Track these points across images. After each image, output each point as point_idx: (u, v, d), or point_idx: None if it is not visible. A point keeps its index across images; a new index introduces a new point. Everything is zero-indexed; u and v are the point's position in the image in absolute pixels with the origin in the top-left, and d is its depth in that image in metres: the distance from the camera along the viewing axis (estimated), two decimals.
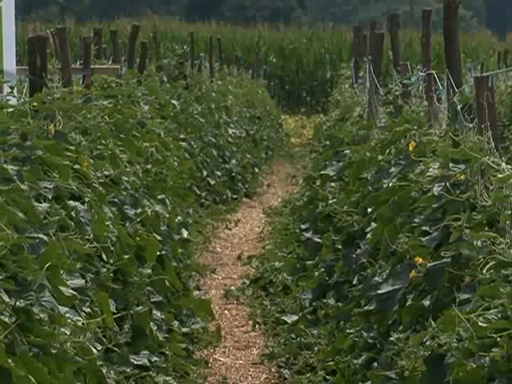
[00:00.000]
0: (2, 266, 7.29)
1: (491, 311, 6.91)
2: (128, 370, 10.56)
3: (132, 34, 23.61)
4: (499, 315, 6.77)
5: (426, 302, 8.69)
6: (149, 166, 15.45)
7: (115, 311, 10.46)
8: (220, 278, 17.06)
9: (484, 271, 7.55)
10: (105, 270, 10.76)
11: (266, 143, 34.67)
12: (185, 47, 29.94)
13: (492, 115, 9.96)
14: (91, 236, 10.48)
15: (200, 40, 33.11)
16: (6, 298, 7.04)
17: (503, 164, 8.84)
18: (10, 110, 10.98)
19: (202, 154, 23.69)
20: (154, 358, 11.56)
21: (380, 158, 12.68)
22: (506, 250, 7.40)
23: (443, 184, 9.44)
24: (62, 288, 8.49)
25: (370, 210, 11.99)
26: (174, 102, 23.16)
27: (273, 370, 12.43)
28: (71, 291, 8.77)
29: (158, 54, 26.68)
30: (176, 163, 18.61)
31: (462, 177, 9.22)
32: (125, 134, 15.13)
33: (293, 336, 13.15)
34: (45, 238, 8.59)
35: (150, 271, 12.67)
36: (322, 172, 17.24)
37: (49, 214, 9.44)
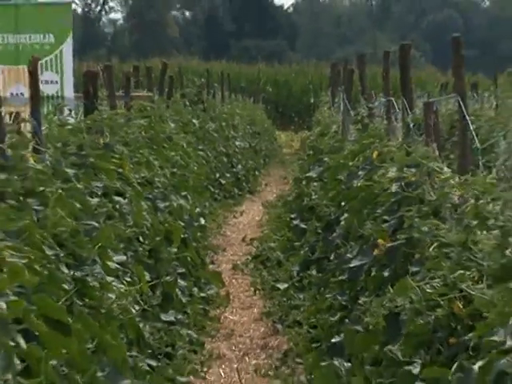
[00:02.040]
0: (63, 245, 7.31)
1: (435, 280, 6.93)
2: (159, 325, 10.65)
3: (162, 70, 23.76)
4: (441, 283, 6.78)
5: (386, 273, 8.71)
6: (175, 170, 15.51)
7: (149, 280, 10.51)
8: (229, 255, 17.03)
9: (430, 250, 7.58)
10: (141, 249, 10.87)
11: (264, 152, 34.63)
12: (202, 80, 29.96)
13: (436, 131, 10.04)
14: (131, 223, 10.59)
15: (214, 74, 33.15)
16: (66, 270, 7.07)
17: (445, 168, 8.90)
18: (70, 127, 11.02)
19: (215, 161, 23.68)
20: (179, 316, 11.63)
21: (351, 163, 12.72)
22: (447, 234, 7.42)
23: (399, 183, 9.48)
24: (109, 262, 8.56)
25: (343, 203, 12.01)
26: (194, 121, 23.20)
27: (269, 324, 12.44)
28: (116, 265, 8.88)
29: (182, 85, 26.68)
30: (195, 167, 18.66)
31: (413, 178, 9.26)
32: (157, 145, 15.24)
33: (284, 299, 13.16)
34: (96, 224, 8.66)
35: (176, 250, 12.72)
36: (307, 174, 17.26)
37: (99, 207, 9.52)
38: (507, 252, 5.75)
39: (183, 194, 15.29)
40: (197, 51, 66.82)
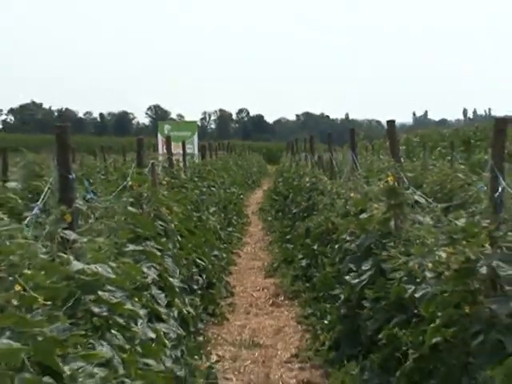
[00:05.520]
0: (197, 202, 7.27)
1: (322, 217, 6.87)
2: (226, 232, 10.39)
3: (227, 144, 23.68)
4: (324, 218, 6.71)
5: (305, 214, 8.63)
6: (231, 178, 15.43)
7: (223, 216, 10.45)
8: (251, 207, 16.89)
9: (320, 206, 7.51)
10: (220, 206, 10.76)
11: (262, 172, 34.42)
12: (242, 148, 29.96)
13: (322, 165, 9.93)
14: (217, 196, 10.53)
15: (246, 146, 33.25)
16: (195, 213, 7.01)
17: (325, 178, 8.81)
18: (196, 163, 10.97)
19: (245, 175, 23.51)
20: (233, 229, 11.46)
21: (293, 176, 12.64)
22: (326, 201, 7.36)
23: (310, 182, 9.40)
24: (210, 210, 8.49)
25: (290, 190, 11.93)
26: (239, 162, 23.09)
27: (264, 231, 12.31)
28: (212, 211, 8.80)
29: (234, 149, 26.65)
30: (238, 177, 18.55)
31: (314, 180, 9.18)
32: (225, 169, 15.18)
33: (270, 224, 13.00)
34: (204, 197, 8.58)
35: (232, 206, 12.61)
36: (278, 180, 17.17)
37: (205, 191, 9.42)
38: (347, 207, 5.70)
39: (235, 187, 15.21)
40: (238, 137, 66.30)
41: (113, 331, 2.54)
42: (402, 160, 4.73)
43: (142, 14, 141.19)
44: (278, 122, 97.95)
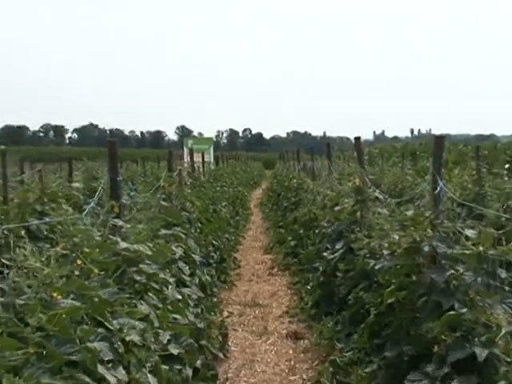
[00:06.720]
0: (213, 197, 7.17)
1: (306, 209, 6.83)
2: (234, 220, 10.15)
3: (235, 155, 23.40)
4: (307, 209, 6.65)
5: (294, 207, 8.53)
6: (238, 180, 15.25)
7: (231, 209, 10.32)
8: (252, 202, 16.71)
9: (305, 201, 7.44)
10: (230, 200, 10.51)
11: (261, 176, 34.23)
12: (246, 158, 29.62)
13: (307, 169, 9.83)
14: (227, 193, 10.30)
15: (250, 157, 33.12)
16: (211, 206, 6.92)
17: (308, 180, 8.70)
18: (212, 168, 10.84)
19: (248, 178, 23.26)
20: (239, 218, 11.19)
21: (285, 178, 12.50)
22: (309, 196, 7.25)
23: (297, 183, 9.27)
24: (222, 204, 8.38)
25: (282, 189, 11.79)
26: (243, 167, 22.83)
27: (263, 220, 12.10)
28: (224, 204, 8.67)
29: (240, 158, 26.37)
30: (243, 180, 18.35)
31: (300, 182, 9.07)
32: (234, 173, 14.95)
33: (267, 214, 12.82)
34: (219, 194, 8.48)
35: (239, 201, 12.43)
36: (273, 181, 17.00)
37: (219, 190, 9.30)
38: (325, 201, 5.66)
39: (241, 186, 14.91)
40: (242, 150, 65.67)
41: (150, 294, 2.58)
42: (366, 166, 4.72)
43: (172, 55, 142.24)
44: (273, 137, 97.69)
